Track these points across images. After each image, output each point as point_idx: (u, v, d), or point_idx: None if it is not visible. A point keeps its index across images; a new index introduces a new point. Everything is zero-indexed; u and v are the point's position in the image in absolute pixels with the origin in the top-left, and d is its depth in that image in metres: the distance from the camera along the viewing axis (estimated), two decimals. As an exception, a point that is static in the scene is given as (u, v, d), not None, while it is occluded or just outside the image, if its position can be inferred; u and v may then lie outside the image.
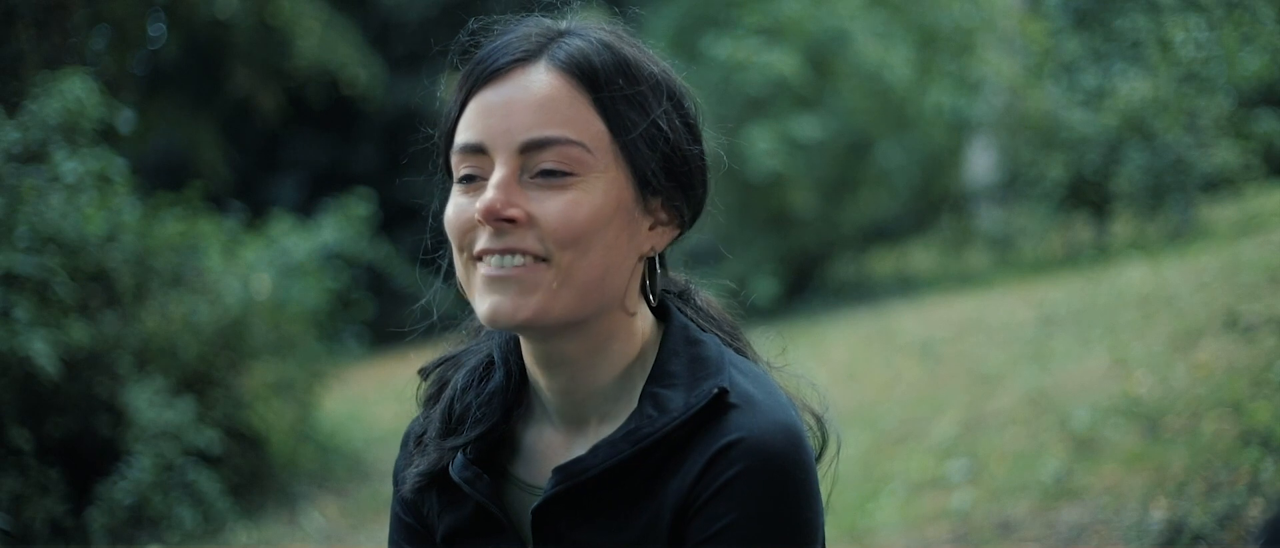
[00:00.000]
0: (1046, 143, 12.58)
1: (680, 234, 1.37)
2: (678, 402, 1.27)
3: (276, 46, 12.95)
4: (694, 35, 12.25)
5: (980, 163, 14.20)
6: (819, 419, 1.40)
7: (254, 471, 6.66)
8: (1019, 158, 13.30)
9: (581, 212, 1.24)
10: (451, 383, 1.41)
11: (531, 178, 1.25)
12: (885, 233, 14.62)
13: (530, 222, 1.24)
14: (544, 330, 1.28)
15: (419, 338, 1.52)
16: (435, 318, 1.49)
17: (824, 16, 12.35)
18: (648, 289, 1.35)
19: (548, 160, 1.25)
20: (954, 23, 13.02)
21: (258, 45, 13.38)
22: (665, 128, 1.30)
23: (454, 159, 1.30)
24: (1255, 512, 3.95)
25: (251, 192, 14.37)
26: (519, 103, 1.26)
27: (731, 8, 12.52)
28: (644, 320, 1.36)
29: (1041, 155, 12.56)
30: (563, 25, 1.33)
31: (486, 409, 1.37)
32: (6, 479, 5.21)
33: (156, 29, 13.64)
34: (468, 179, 1.28)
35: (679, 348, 1.32)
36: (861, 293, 12.76)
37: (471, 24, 1.36)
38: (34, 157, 5.69)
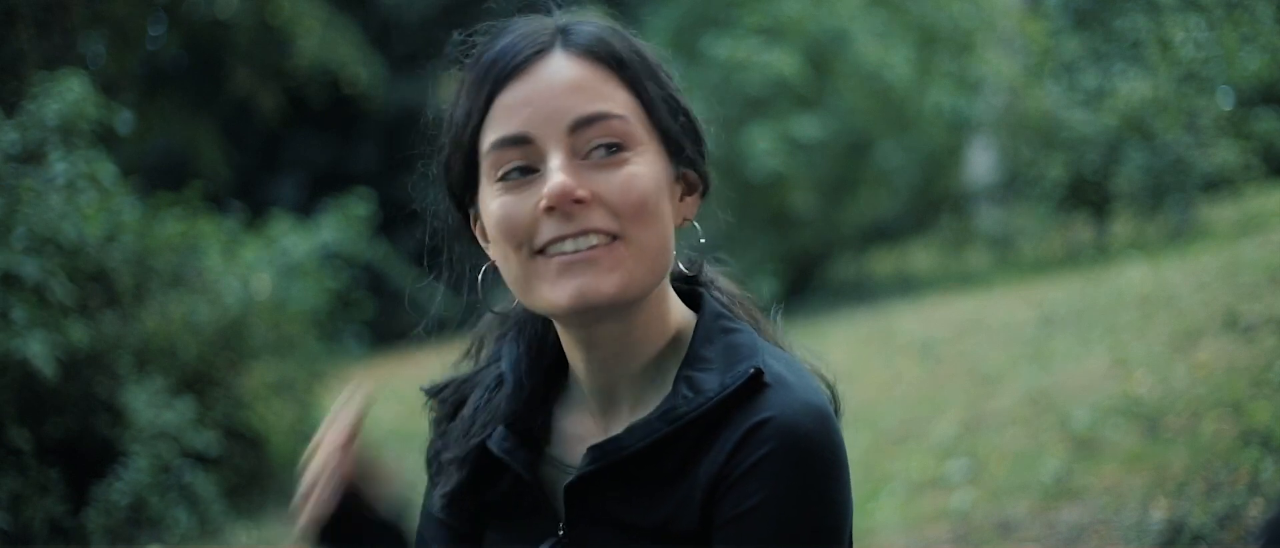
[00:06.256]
0: (1046, 143, 12.57)
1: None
2: (713, 383, 1.27)
3: (276, 46, 12.95)
4: (694, 35, 12.24)
5: (980, 163, 14.19)
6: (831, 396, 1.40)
7: (254, 471, 6.65)
8: (1019, 158, 13.29)
9: (641, 183, 1.25)
10: (470, 401, 1.41)
11: (583, 158, 1.25)
12: (885, 233, 14.61)
13: (595, 200, 1.24)
14: (622, 308, 1.27)
15: (419, 338, 1.51)
16: (436, 322, 1.48)
17: (824, 16, 12.35)
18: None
19: (596, 137, 1.25)
20: (954, 23, 13.01)
21: (258, 45, 13.38)
22: (678, 98, 1.33)
23: (490, 159, 1.27)
24: (1255, 512, 3.95)
25: (251, 192, 14.35)
26: (555, 88, 1.26)
27: (731, 8, 12.51)
28: (675, 302, 1.36)
29: (1041, 155, 12.55)
30: (561, 20, 1.33)
31: (496, 412, 1.38)
32: (6, 479, 5.21)
33: (156, 29, 13.63)
34: (512, 175, 1.26)
35: (713, 335, 1.32)
36: (861, 293, 12.75)
37: (457, 35, 1.35)
38: (32, 157, 5.68)
